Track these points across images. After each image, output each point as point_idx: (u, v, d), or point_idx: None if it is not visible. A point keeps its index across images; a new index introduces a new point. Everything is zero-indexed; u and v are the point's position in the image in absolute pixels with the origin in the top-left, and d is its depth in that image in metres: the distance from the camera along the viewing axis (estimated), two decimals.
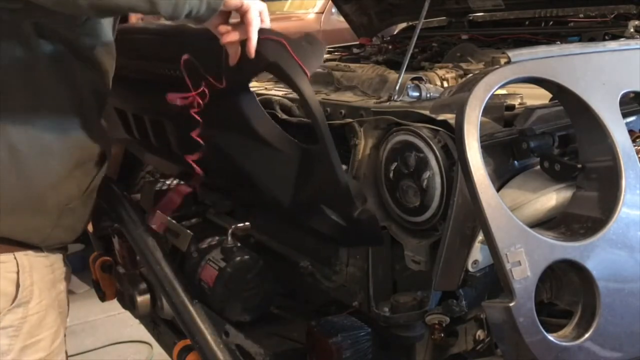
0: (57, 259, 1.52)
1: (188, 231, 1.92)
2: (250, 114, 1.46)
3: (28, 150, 1.37)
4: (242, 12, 1.26)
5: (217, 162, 1.66)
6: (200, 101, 1.42)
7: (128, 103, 2.05)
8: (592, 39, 1.95)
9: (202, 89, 1.41)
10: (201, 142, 1.49)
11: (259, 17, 1.27)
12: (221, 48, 1.32)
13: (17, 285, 1.41)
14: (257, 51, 1.27)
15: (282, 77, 1.32)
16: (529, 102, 1.47)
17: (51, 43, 1.39)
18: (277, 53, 1.28)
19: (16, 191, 1.37)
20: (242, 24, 1.27)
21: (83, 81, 1.46)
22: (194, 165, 1.55)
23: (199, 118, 1.45)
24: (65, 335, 1.57)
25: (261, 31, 1.29)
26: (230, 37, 1.29)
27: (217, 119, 1.47)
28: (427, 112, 1.33)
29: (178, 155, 1.85)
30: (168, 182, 2.33)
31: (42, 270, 1.46)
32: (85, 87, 1.47)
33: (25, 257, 1.42)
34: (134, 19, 1.92)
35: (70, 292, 1.62)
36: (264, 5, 1.29)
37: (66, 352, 1.59)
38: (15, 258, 1.41)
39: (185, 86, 1.43)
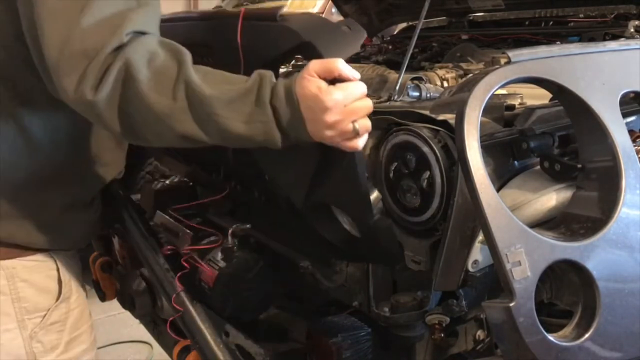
0: (76, 254, 1.59)
1: (188, 231, 1.91)
2: None
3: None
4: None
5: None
6: None
7: None
8: (592, 39, 1.94)
9: None
10: None
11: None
12: None
13: (60, 282, 1.47)
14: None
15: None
16: (529, 102, 1.47)
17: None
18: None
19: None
20: None
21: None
22: None
23: None
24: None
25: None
26: None
27: None
28: (427, 112, 1.33)
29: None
30: (167, 181, 2.33)
31: (73, 267, 1.53)
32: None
33: (60, 255, 1.48)
34: None
35: None
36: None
37: None
38: (52, 256, 1.47)
39: None
